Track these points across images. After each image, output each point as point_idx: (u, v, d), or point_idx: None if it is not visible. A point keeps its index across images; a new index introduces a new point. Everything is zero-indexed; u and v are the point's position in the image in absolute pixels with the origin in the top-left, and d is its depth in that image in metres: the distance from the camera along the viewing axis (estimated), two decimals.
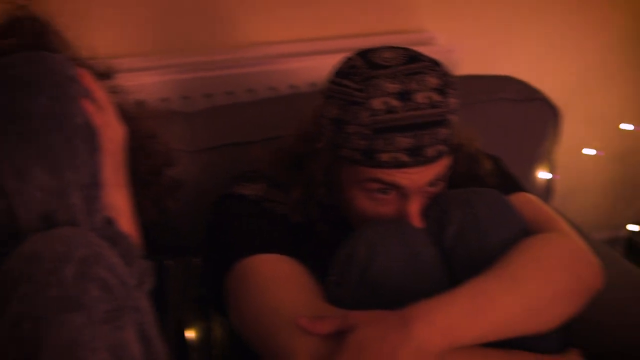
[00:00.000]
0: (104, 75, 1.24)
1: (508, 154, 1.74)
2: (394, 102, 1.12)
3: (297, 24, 1.96)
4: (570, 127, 2.16)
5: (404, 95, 1.12)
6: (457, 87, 1.20)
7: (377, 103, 1.12)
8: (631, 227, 2.32)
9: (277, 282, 1.15)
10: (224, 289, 1.20)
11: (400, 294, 1.07)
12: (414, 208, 1.18)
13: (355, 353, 0.97)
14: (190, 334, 1.33)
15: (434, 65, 1.18)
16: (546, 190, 1.92)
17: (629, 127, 2.37)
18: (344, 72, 1.19)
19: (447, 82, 1.17)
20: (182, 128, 1.60)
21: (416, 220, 1.18)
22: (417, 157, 1.13)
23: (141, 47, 1.83)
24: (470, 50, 2.13)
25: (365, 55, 1.19)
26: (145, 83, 1.71)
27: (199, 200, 1.40)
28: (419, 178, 1.16)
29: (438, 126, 1.14)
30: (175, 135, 1.54)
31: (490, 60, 2.19)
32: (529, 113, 1.86)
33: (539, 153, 1.87)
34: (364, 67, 1.16)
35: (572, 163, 2.44)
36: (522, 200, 1.26)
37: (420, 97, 1.13)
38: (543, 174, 1.87)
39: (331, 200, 1.27)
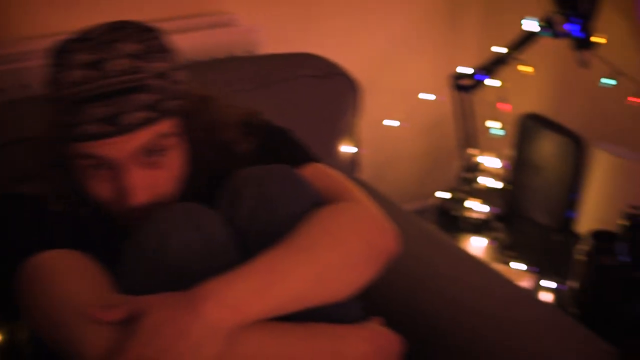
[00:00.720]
0: None
1: (311, 130, 1.74)
2: (86, 73, 1.09)
3: (87, 13, 1.88)
4: (376, 100, 2.20)
5: (96, 65, 1.09)
6: (166, 52, 1.16)
7: (70, 76, 1.09)
8: (440, 194, 2.37)
9: (63, 277, 1.10)
10: (13, 291, 1.14)
11: (195, 279, 1.04)
12: (131, 181, 1.14)
13: (146, 337, 0.96)
14: None
15: (139, 33, 1.14)
16: (351, 164, 1.94)
17: (431, 97, 2.43)
18: (51, 51, 1.15)
19: (150, 47, 1.13)
20: None
21: (136, 196, 1.14)
22: (114, 126, 1.09)
23: None
24: (275, 29, 2.13)
25: (76, 33, 1.15)
26: None
27: None
28: (123, 148, 1.12)
29: (136, 92, 1.10)
30: None
31: (295, 39, 2.20)
32: (328, 88, 1.87)
33: (341, 127, 1.88)
34: (64, 43, 1.13)
35: (382, 136, 2.49)
36: (314, 171, 1.26)
37: (113, 65, 1.09)
38: (347, 148, 1.89)
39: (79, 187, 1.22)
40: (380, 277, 1.18)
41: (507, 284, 1.61)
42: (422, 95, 2.44)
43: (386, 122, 2.45)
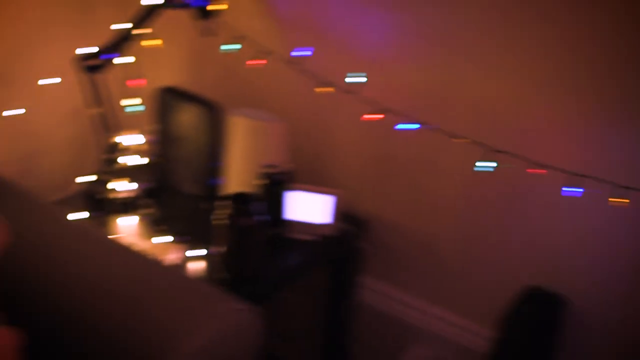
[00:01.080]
0: None
1: None
2: None
3: None
4: (9, 93, 2.11)
5: None
6: None
7: None
8: (83, 180, 2.31)
9: None
10: None
11: None
12: None
13: None
14: None
15: None
16: None
17: (56, 80, 2.34)
18: None
19: None
20: None
21: None
22: None
23: None
24: None
25: None
26: None
27: None
28: None
29: None
30: None
31: None
32: None
33: None
34: None
35: (22, 130, 2.39)
36: None
37: None
38: None
39: None
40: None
41: (144, 262, 1.62)
42: (50, 81, 2.35)
43: (7, 113, 2.31)
